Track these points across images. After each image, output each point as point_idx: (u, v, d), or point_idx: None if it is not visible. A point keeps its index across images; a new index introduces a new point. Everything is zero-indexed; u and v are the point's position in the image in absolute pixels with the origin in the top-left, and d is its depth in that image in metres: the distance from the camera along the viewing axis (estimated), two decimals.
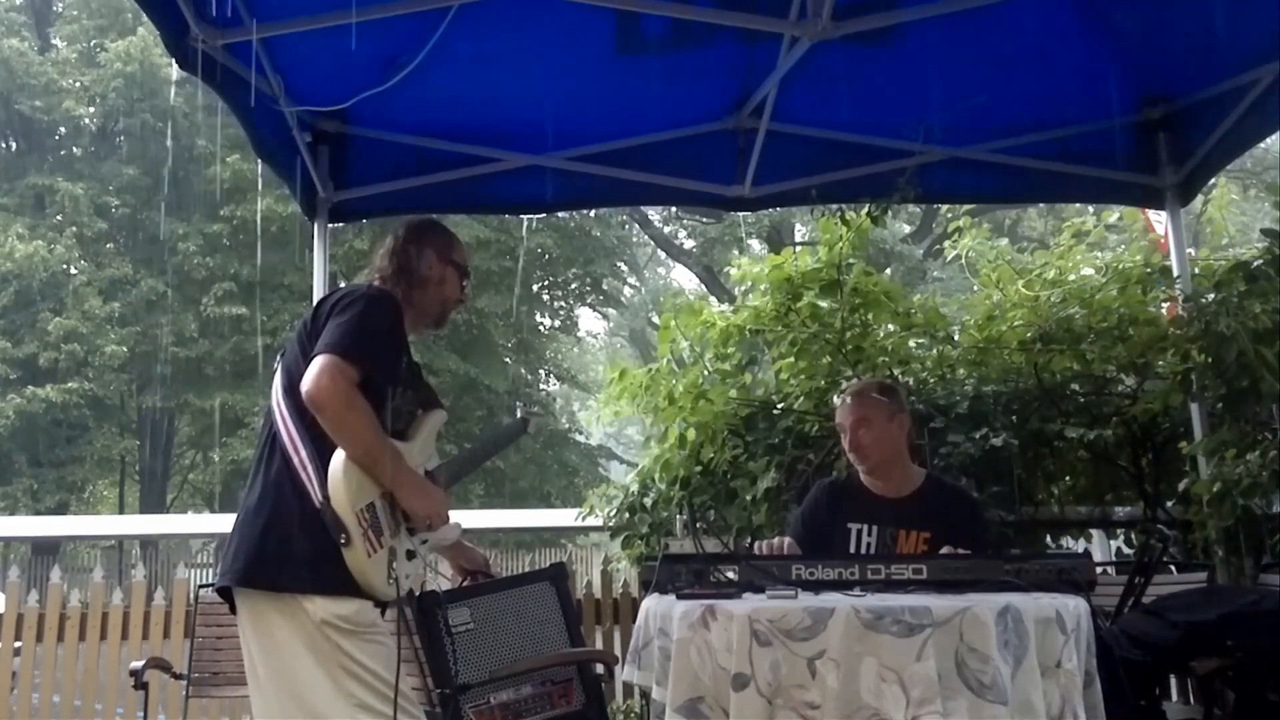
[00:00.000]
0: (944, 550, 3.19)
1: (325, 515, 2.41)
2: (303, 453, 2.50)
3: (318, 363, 2.45)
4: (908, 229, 23.37)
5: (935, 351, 5.24)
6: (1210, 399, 4.44)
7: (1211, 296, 4.32)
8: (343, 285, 2.82)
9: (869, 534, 3.46)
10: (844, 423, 3.57)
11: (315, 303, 2.72)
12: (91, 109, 22.54)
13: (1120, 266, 5.09)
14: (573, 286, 25.20)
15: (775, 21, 3.76)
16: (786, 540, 3.30)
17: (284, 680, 2.47)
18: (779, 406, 5.09)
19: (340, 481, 2.43)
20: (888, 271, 18.08)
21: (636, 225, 25.77)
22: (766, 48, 4.09)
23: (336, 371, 2.43)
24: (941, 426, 4.63)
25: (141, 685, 4.11)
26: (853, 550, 3.43)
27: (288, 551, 2.45)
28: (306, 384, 2.43)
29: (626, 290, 29.36)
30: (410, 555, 2.57)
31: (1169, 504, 4.79)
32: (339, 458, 2.45)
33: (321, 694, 2.42)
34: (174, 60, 3.46)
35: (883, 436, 3.49)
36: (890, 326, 5.25)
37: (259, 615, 2.51)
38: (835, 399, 3.98)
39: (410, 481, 2.57)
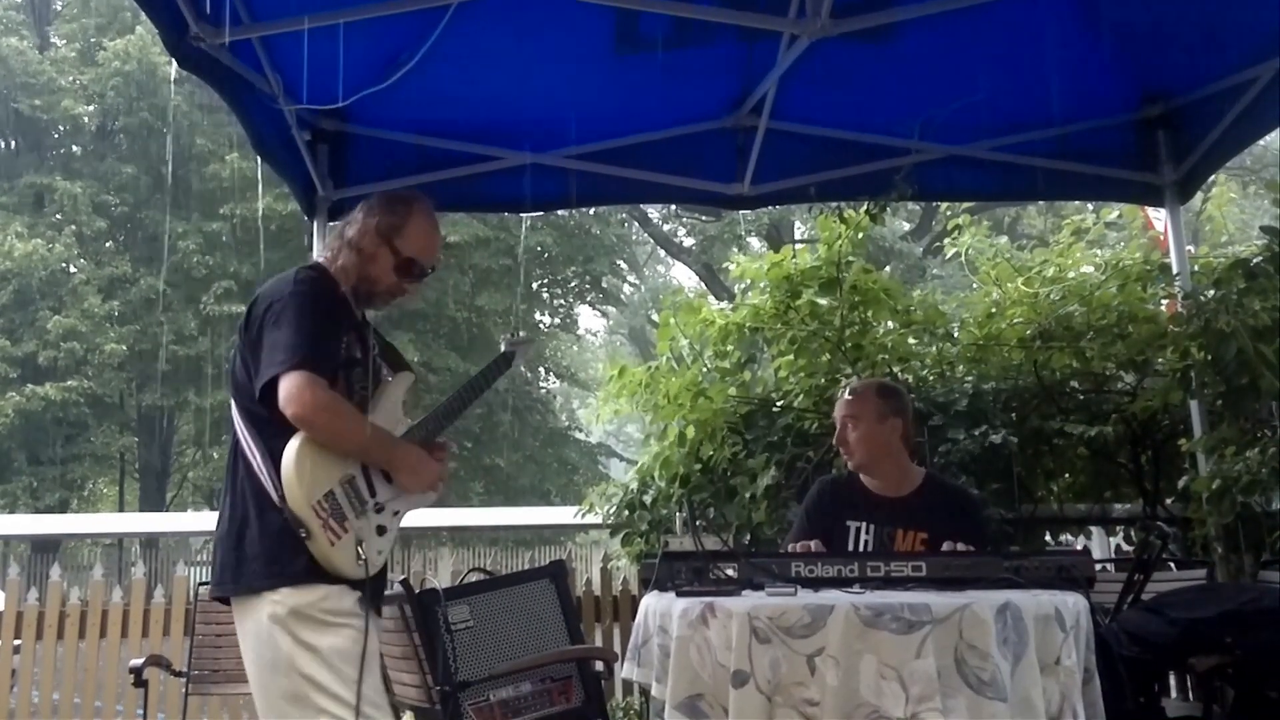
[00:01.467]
0: (945, 547, 3.19)
1: (286, 515, 2.43)
2: (258, 455, 2.51)
3: (287, 383, 2.44)
4: (907, 227, 23.37)
5: (935, 349, 5.24)
6: (1210, 396, 4.44)
7: (1211, 294, 4.31)
8: (270, 281, 2.70)
9: (866, 532, 3.47)
10: (836, 417, 3.63)
11: (249, 304, 2.66)
12: (90, 107, 22.52)
13: (1120, 264, 5.09)
14: (572, 284, 25.21)
15: (774, 20, 3.75)
16: (814, 541, 3.30)
17: (253, 681, 2.53)
18: (778, 404, 5.09)
19: (292, 479, 2.43)
20: (887, 269, 18.06)
21: (636, 223, 25.76)
22: (765, 46, 4.09)
23: (312, 385, 2.44)
24: (941, 424, 4.63)
25: (141, 683, 4.11)
26: (850, 548, 3.44)
27: (256, 552, 2.48)
28: (289, 408, 2.43)
29: (626, 288, 29.37)
30: (381, 530, 2.56)
31: (1168, 501, 4.79)
32: (288, 455, 2.45)
33: (270, 695, 2.46)
34: (173, 59, 3.45)
35: (869, 436, 3.51)
36: (890, 324, 5.26)
37: (241, 619, 2.55)
38: (842, 388, 4.03)
39: (403, 460, 2.59)
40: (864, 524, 3.49)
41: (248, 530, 2.50)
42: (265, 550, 2.47)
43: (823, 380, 5.01)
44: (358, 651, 2.45)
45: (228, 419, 2.63)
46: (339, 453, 2.50)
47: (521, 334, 3.29)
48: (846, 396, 3.64)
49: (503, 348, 3.11)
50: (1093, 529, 5.54)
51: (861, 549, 3.44)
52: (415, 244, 2.74)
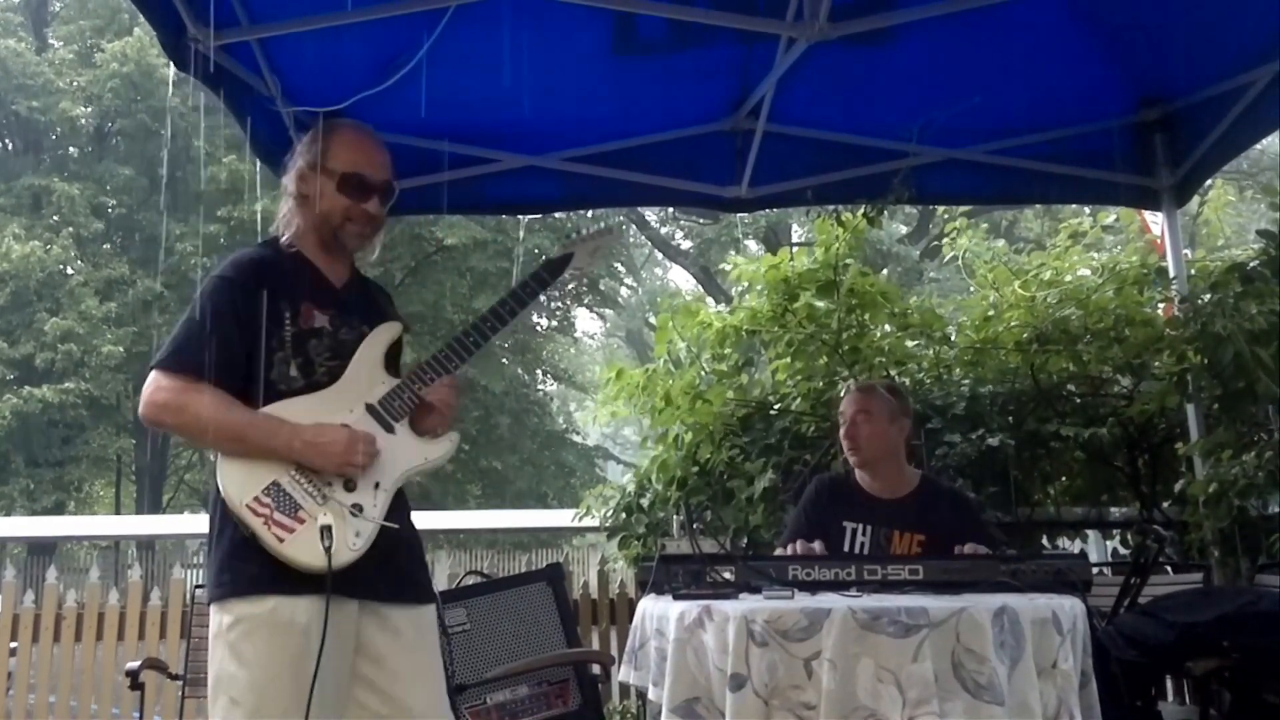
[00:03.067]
0: (967, 549, 3.18)
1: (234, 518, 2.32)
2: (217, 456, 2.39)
3: (147, 382, 2.35)
4: (904, 230, 23.39)
5: (932, 352, 5.25)
6: (1206, 400, 4.45)
7: (1208, 297, 4.32)
8: None
9: (863, 533, 3.47)
10: (845, 412, 3.60)
11: None
12: (88, 109, 22.53)
13: (1117, 267, 5.10)
14: (569, 287, 25.08)
15: (772, 23, 3.75)
16: (817, 544, 3.29)
17: None
18: (776, 407, 5.09)
19: (223, 480, 2.31)
20: (884, 272, 18.08)
21: (633, 226, 25.76)
22: (763, 49, 4.09)
23: (157, 385, 2.33)
24: (938, 427, 4.63)
25: (137, 686, 4.09)
26: (847, 548, 3.43)
27: (214, 560, 2.37)
28: (140, 408, 2.34)
29: (623, 291, 29.37)
30: (357, 509, 2.34)
31: (1165, 505, 4.80)
32: (220, 455, 2.34)
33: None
34: (170, 61, 3.44)
35: (880, 433, 3.51)
36: (887, 327, 5.26)
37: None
38: (842, 391, 4.01)
39: (298, 447, 2.32)
40: (861, 525, 3.48)
41: (213, 537, 2.38)
42: (220, 559, 2.34)
43: (820, 383, 5.02)
44: (290, 677, 2.25)
45: None
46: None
47: (595, 228, 2.80)
48: (856, 392, 3.63)
49: (556, 252, 2.74)
50: (1089, 532, 5.55)
51: (858, 550, 3.44)
52: (346, 157, 2.52)
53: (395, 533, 2.40)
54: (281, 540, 2.26)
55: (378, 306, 2.64)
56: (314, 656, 2.23)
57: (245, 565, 2.30)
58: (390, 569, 2.40)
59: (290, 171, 2.58)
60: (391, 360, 2.55)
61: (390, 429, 2.44)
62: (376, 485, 2.39)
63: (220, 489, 2.31)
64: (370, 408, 2.44)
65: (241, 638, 2.28)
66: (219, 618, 2.32)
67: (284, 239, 2.52)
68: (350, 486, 2.36)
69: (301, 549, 2.26)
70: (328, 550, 2.25)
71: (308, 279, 2.50)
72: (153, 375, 2.34)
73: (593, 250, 2.79)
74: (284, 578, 2.27)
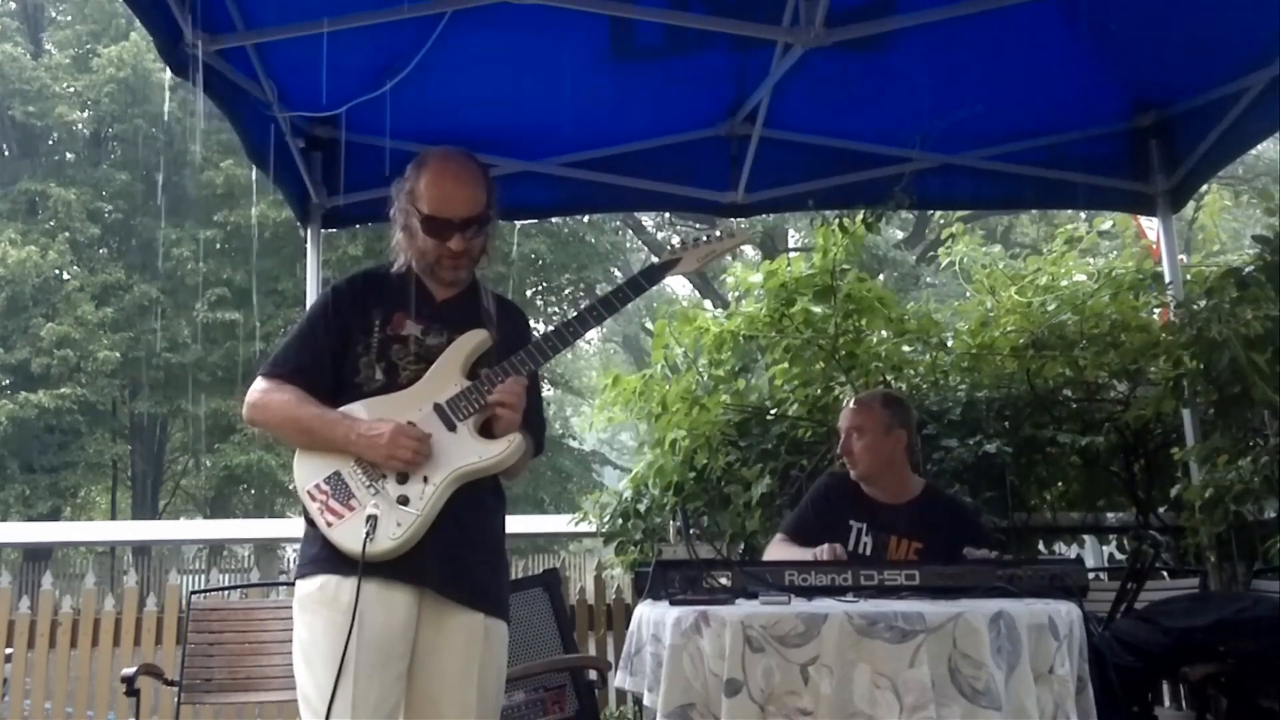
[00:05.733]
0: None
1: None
2: None
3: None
4: (901, 235, 23.40)
5: (928, 357, 5.25)
6: (1202, 405, 4.46)
7: (1203, 303, 4.33)
8: None
9: (866, 534, 3.47)
10: (841, 427, 3.62)
11: None
12: (84, 114, 22.48)
13: (1112, 273, 5.11)
14: (566, 292, 25.18)
15: (768, 29, 3.76)
16: (838, 546, 3.27)
17: None
18: (773, 413, 5.09)
19: (295, 469, 2.52)
20: (881, 278, 18.08)
21: (630, 231, 25.78)
22: (760, 54, 4.10)
23: (251, 388, 2.59)
24: (935, 433, 4.63)
25: (133, 692, 4.08)
26: (851, 547, 3.43)
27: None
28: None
29: None
30: (403, 500, 2.43)
31: (1161, 510, 4.80)
32: (297, 449, 2.55)
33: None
34: (167, 66, 3.45)
35: (874, 447, 3.51)
36: (884, 332, 5.26)
37: None
38: (840, 396, 3.99)
39: (353, 439, 2.45)
40: (864, 525, 3.49)
41: None
42: (300, 545, 2.57)
43: (817, 389, 5.01)
44: (330, 648, 2.35)
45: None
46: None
47: (718, 231, 2.71)
48: (850, 407, 3.64)
49: (664, 255, 2.73)
50: (1086, 538, 5.54)
51: (861, 550, 3.44)
52: (428, 196, 2.57)
53: (473, 537, 2.53)
54: (330, 525, 2.43)
55: (480, 320, 2.66)
56: (355, 632, 2.34)
57: (308, 548, 2.51)
58: (457, 567, 2.49)
59: (395, 203, 2.66)
60: (477, 366, 2.60)
61: (453, 428, 2.52)
62: (425, 479, 2.46)
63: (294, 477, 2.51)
64: (437, 407, 2.52)
65: (298, 611, 2.48)
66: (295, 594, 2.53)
67: (395, 266, 2.65)
68: (402, 479, 2.46)
69: (345, 534, 2.41)
70: (367, 537, 2.37)
71: (407, 292, 2.62)
72: (255, 380, 2.59)
73: (704, 256, 2.75)
74: (336, 560, 2.42)
